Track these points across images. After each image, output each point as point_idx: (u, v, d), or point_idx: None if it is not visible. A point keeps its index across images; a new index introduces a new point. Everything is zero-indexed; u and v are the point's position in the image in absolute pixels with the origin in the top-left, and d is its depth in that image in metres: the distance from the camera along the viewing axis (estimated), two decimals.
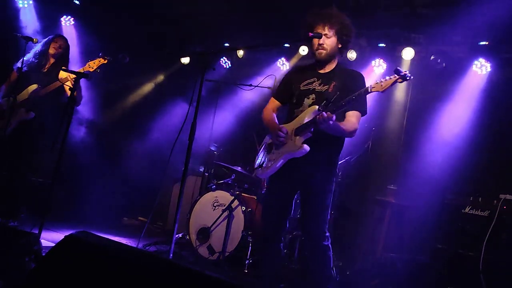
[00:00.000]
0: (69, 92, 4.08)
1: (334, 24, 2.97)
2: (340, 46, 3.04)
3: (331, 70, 3.07)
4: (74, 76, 3.60)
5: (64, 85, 4.12)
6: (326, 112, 2.67)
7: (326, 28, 2.96)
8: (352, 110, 2.95)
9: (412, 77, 2.54)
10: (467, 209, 4.16)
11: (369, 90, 2.66)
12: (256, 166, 3.16)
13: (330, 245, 2.98)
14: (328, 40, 2.98)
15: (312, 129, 2.84)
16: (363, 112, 3.02)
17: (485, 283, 3.71)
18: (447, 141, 5.11)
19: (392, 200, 5.09)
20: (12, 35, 4.29)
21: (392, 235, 5.04)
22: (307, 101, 3.00)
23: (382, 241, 5.02)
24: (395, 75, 2.57)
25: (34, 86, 4.15)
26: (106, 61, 3.94)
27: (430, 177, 4.92)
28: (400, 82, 2.58)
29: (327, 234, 2.97)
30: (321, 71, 3.08)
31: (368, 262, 4.99)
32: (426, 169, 5.04)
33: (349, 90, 2.83)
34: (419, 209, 4.89)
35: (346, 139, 3.11)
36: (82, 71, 3.91)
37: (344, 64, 3.20)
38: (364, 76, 3.07)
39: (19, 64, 4.20)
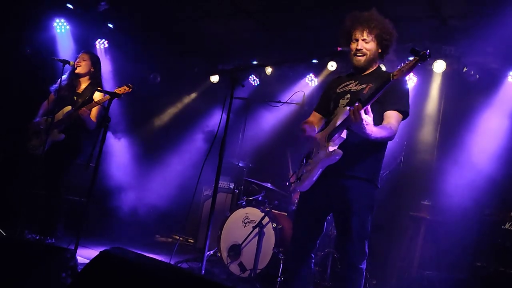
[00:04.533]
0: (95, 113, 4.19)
1: (374, 28, 2.77)
2: (380, 51, 2.85)
3: (369, 72, 2.87)
4: (108, 96, 3.70)
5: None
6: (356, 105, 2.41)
7: (365, 32, 2.78)
8: (390, 110, 2.70)
9: (429, 53, 2.32)
10: (507, 225, 4.01)
11: (391, 78, 2.44)
12: (294, 179, 2.93)
13: (364, 269, 2.68)
14: (367, 45, 2.79)
15: (344, 132, 2.61)
16: (403, 113, 2.72)
17: None
18: (483, 154, 4.96)
19: (426, 215, 4.96)
20: (50, 59, 4.44)
21: (427, 252, 4.89)
22: (341, 102, 2.80)
23: (417, 258, 4.88)
24: (415, 57, 2.37)
25: (68, 108, 4.18)
26: (130, 90, 3.99)
27: (466, 192, 4.77)
28: (421, 63, 2.37)
29: (366, 256, 2.69)
30: (360, 75, 2.89)
31: (403, 280, 4.85)
32: (462, 183, 4.89)
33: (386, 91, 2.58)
34: (456, 225, 4.74)
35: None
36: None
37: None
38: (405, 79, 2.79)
39: (56, 86, 4.34)
